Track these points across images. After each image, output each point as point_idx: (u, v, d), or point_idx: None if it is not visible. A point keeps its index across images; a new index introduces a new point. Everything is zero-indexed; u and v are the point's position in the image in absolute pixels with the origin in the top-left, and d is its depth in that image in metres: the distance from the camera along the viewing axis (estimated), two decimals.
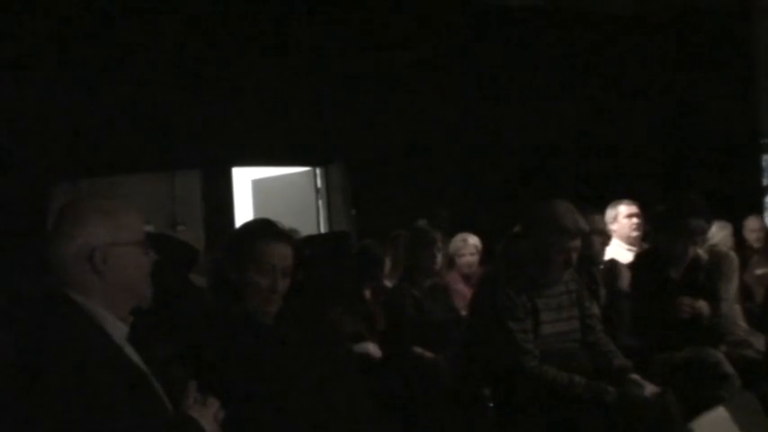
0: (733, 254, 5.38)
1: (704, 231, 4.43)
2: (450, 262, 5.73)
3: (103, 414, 1.88)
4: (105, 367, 1.94)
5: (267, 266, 2.74)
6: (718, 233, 6.06)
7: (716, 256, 4.95)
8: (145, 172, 6.99)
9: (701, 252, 4.50)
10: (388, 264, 5.26)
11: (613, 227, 5.24)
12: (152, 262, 2.18)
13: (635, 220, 5.27)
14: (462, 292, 5.35)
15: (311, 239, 4.90)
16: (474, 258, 5.74)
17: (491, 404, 3.86)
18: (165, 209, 7.12)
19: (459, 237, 5.81)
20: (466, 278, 5.67)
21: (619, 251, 5.13)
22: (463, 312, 4.83)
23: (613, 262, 4.84)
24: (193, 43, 6.80)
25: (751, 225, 6.80)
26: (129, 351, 2.09)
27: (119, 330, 2.08)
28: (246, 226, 3.06)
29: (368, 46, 7.51)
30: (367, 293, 5.03)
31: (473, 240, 5.78)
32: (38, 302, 2.10)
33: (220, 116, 6.97)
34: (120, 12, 6.43)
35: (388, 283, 5.22)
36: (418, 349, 4.69)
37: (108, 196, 2.37)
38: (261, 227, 2.90)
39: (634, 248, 5.23)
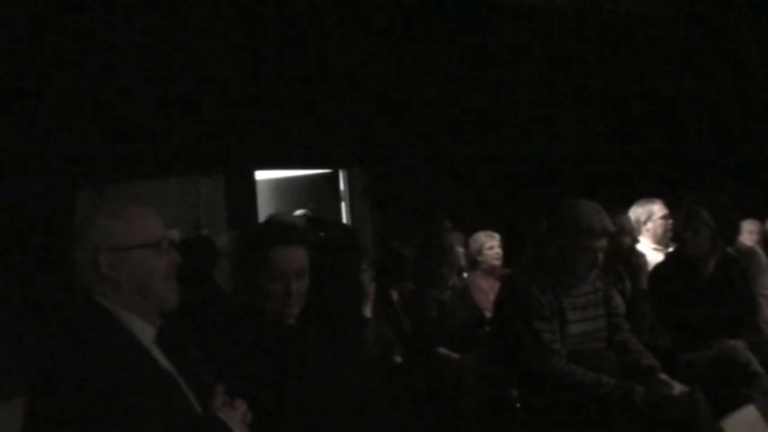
0: (759, 249, 5.34)
1: (735, 229, 4.42)
2: (473, 262, 5.71)
3: (133, 416, 1.89)
4: (133, 369, 1.95)
5: (278, 273, 2.69)
6: (744, 231, 6.02)
7: (741, 252, 4.93)
8: (169, 176, 7.03)
9: (730, 249, 4.48)
10: (413, 265, 5.25)
11: (647, 227, 5.20)
12: (175, 264, 2.15)
13: (670, 221, 5.23)
14: (486, 291, 5.34)
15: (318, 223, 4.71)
16: (500, 251, 5.71)
17: (518, 405, 3.84)
18: (190, 213, 7.15)
19: (481, 234, 5.77)
20: (491, 273, 5.61)
21: (646, 251, 5.10)
22: (487, 312, 4.82)
23: (637, 255, 4.79)
24: (217, 47, 6.83)
25: None
26: (157, 353, 2.10)
27: (145, 332, 2.09)
28: (253, 231, 3.02)
29: (390, 48, 7.52)
30: (394, 295, 5.03)
31: (495, 235, 5.77)
32: (66, 306, 2.12)
33: (243, 120, 7.00)
34: (128, 14, 6.44)
35: (413, 286, 5.22)
36: (443, 350, 4.68)
37: (131, 200, 2.34)
38: (268, 232, 2.85)
39: (661, 248, 5.19)
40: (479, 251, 5.71)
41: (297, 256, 2.74)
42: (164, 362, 2.09)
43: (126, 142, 6.43)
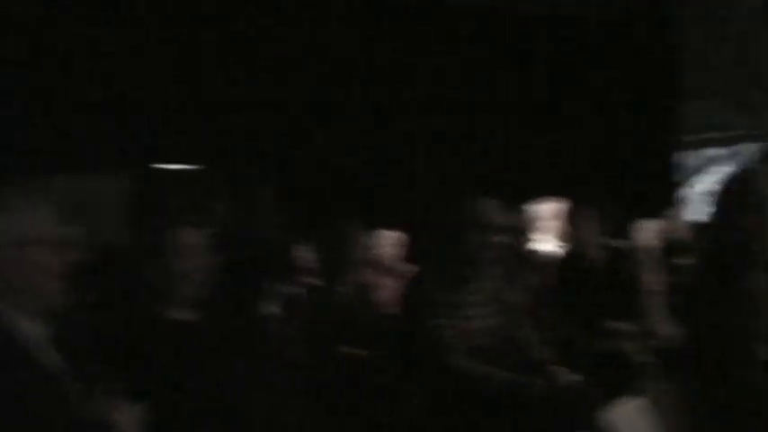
0: (654, 247, 5.53)
1: (615, 224, 4.65)
2: (374, 261, 5.72)
3: (8, 416, 1.84)
4: (7, 371, 1.90)
5: (181, 249, 2.85)
6: (649, 229, 6.19)
7: (637, 249, 5.11)
8: (69, 173, 6.89)
9: (623, 246, 4.68)
10: (315, 264, 5.24)
11: (541, 223, 5.33)
12: (68, 262, 2.10)
13: (562, 217, 5.36)
14: (388, 288, 5.37)
15: None
16: (395, 251, 5.74)
17: (419, 401, 3.88)
18: (89, 210, 7.00)
19: (382, 233, 5.79)
20: (389, 272, 5.64)
21: (542, 248, 5.22)
22: (390, 309, 4.86)
23: (539, 255, 4.92)
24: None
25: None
26: (43, 353, 2.03)
27: (32, 331, 2.02)
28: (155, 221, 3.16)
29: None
30: (295, 293, 5.00)
31: (394, 234, 5.80)
32: None
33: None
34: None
35: (317, 283, 5.20)
36: (347, 348, 4.68)
37: (24, 195, 2.27)
38: (171, 218, 2.98)
39: (556, 244, 5.32)
40: (383, 250, 5.72)
41: (195, 234, 2.93)
42: (52, 362, 2.03)
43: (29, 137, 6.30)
